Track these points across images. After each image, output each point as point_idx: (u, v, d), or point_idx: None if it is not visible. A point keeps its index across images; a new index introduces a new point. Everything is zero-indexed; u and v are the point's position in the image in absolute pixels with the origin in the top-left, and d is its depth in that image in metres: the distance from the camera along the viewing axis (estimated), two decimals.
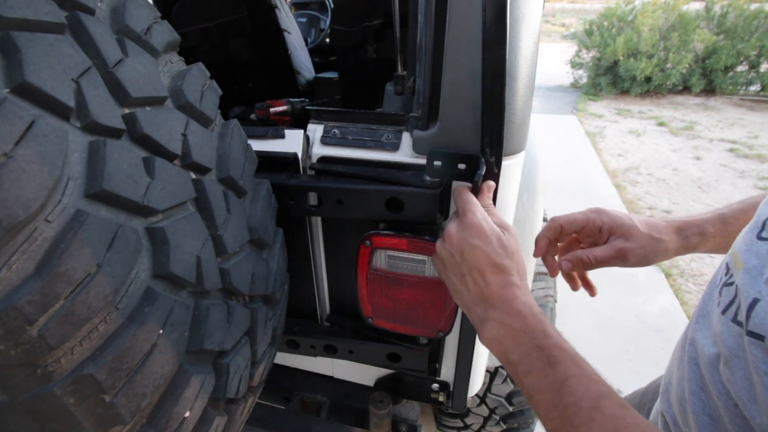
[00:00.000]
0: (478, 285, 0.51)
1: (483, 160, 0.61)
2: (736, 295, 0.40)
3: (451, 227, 0.55)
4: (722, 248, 0.65)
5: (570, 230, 0.68)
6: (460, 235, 0.53)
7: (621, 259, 0.64)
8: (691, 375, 0.45)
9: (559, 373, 0.42)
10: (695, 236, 0.64)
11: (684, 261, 2.80)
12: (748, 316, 0.36)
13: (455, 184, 0.66)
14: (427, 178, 0.66)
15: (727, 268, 0.44)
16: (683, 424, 0.47)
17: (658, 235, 0.64)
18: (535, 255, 0.70)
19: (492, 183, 0.60)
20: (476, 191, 0.59)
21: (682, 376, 0.47)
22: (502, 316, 0.49)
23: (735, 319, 0.39)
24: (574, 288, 0.72)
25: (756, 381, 0.35)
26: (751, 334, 0.36)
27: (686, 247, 0.65)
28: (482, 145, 0.62)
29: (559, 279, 0.74)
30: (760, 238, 0.40)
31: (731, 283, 0.41)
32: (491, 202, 0.59)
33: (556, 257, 0.70)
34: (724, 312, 0.41)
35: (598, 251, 0.64)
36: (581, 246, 0.70)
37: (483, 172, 0.60)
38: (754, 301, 0.36)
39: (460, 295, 0.55)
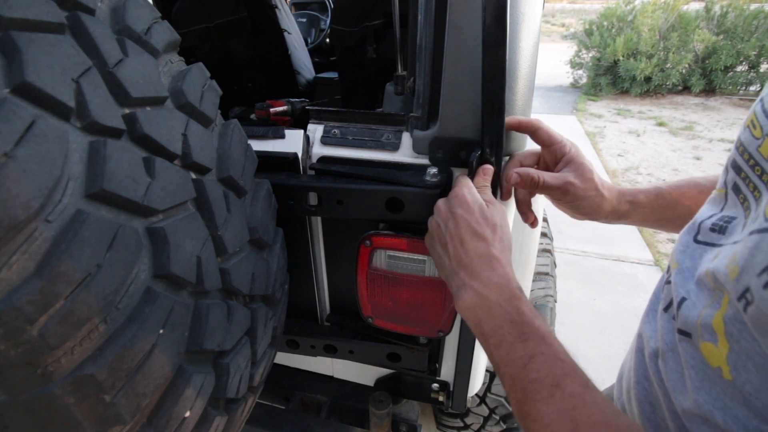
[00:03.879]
0: (458, 252, 0.53)
1: (480, 145, 0.62)
2: (670, 293, 0.42)
3: (440, 201, 0.59)
4: (650, 221, 0.67)
5: (545, 138, 0.65)
6: (446, 206, 0.57)
7: (563, 192, 0.62)
8: (638, 365, 0.47)
9: (528, 349, 0.44)
10: (626, 203, 0.65)
11: None
12: (677, 314, 0.39)
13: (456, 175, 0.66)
14: (428, 179, 0.66)
15: (668, 267, 0.45)
16: (628, 410, 0.49)
17: (602, 190, 0.64)
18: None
19: (489, 167, 0.61)
20: (471, 173, 0.61)
21: (631, 366, 0.49)
22: (478, 286, 0.50)
23: (670, 314, 0.41)
24: (526, 220, 0.70)
25: (685, 374, 0.37)
26: (680, 331, 0.38)
27: (617, 212, 0.65)
28: (482, 145, 0.62)
29: (559, 281, 0.74)
30: (696, 241, 0.41)
31: (669, 282, 0.43)
32: (486, 183, 0.60)
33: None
34: (665, 309, 0.43)
35: (548, 176, 0.63)
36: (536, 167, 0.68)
37: (478, 154, 0.61)
38: (682, 300, 0.39)
39: (442, 264, 0.56)
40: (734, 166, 0.39)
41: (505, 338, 0.46)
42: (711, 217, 0.41)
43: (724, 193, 0.41)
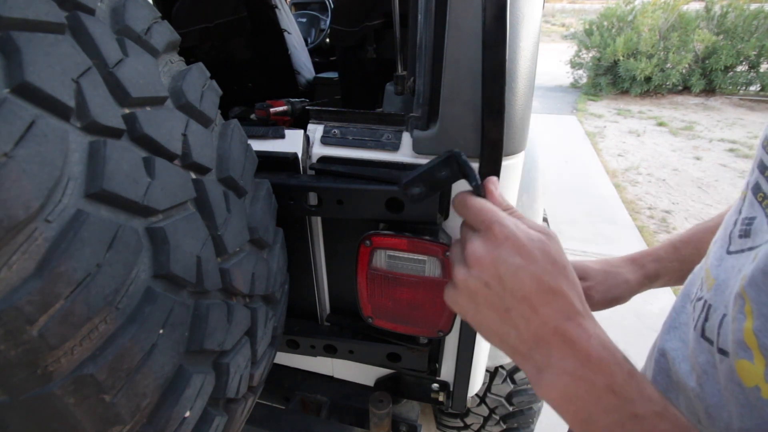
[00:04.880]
0: (530, 323, 0.37)
1: (460, 153, 0.45)
2: (705, 311, 0.39)
3: (476, 247, 0.39)
4: (681, 277, 0.63)
5: None
6: (494, 255, 0.38)
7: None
8: (663, 386, 0.45)
9: None
10: (651, 263, 0.65)
11: None
12: (718, 333, 0.35)
13: (453, 193, 0.65)
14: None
15: (701, 283, 0.43)
16: None
17: (614, 268, 0.64)
18: None
19: (495, 178, 0.45)
20: (480, 192, 0.44)
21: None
22: (574, 366, 0.35)
23: (704, 335, 0.38)
24: None
25: (727, 397, 0.33)
26: (721, 351, 0.34)
27: (647, 276, 0.65)
28: (482, 145, 0.62)
29: None
30: (729, 252, 0.40)
31: (701, 298, 0.41)
32: (509, 202, 0.44)
33: None
34: (695, 327, 0.40)
35: None
36: None
37: (474, 166, 0.46)
38: (723, 318, 0.35)
39: (504, 338, 0.39)
40: (759, 166, 0.38)
41: None
42: (735, 224, 0.40)
43: (743, 195, 0.41)
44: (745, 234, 0.37)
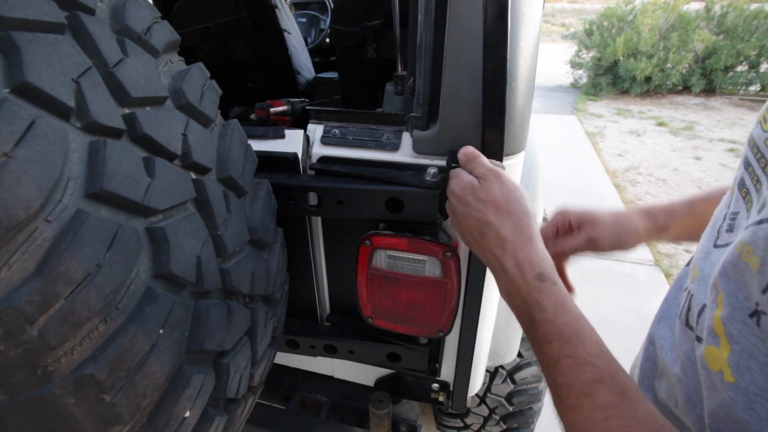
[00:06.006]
0: (479, 246, 0.52)
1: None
2: (688, 301, 0.41)
3: (448, 201, 0.57)
4: (693, 233, 0.65)
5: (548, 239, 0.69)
6: (449, 204, 0.56)
7: (593, 244, 0.66)
8: (649, 372, 0.46)
9: (553, 351, 0.40)
10: (663, 215, 0.65)
11: (684, 261, 2.80)
12: (697, 322, 0.38)
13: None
14: (428, 179, 0.65)
15: (689, 274, 0.45)
16: None
17: (625, 219, 0.65)
18: None
19: (466, 147, 0.60)
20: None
21: (642, 374, 0.48)
22: (501, 280, 0.48)
23: (687, 324, 0.40)
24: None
25: (702, 380, 0.36)
26: (698, 338, 0.37)
27: (657, 228, 0.66)
28: (482, 145, 0.62)
29: None
30: (715, 246, 0.41)
31: (686, 289, 0.43)
32: (473, 158, 0.58)
33: None
34: (680, 317, 0.42)
35: (569, 241, 0.66)
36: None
37: (456, 150, 0.60)
38: (703, 308, 0.37)
39: (470, 244, 0.54)
40: (744, 162, 0.39)
41: (531, 336, 0.44)
42: (725, 218, 0.41)
43: (731, 192, 0.41)
44: (730, 229, 0.38)
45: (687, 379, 0.39)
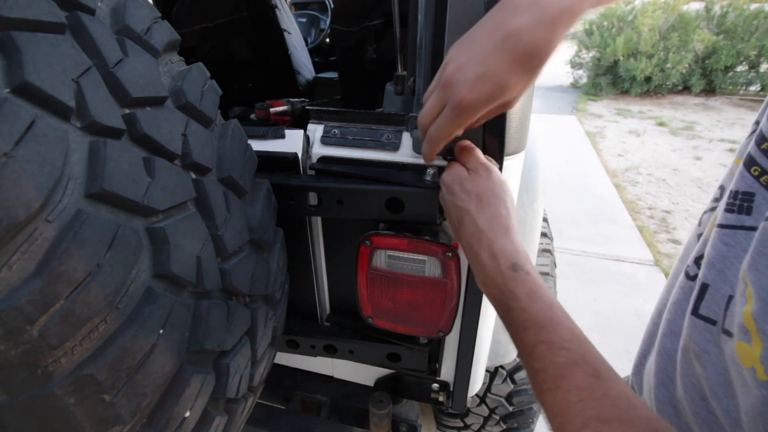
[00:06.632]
0: (459, 233, 0.54)
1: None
2: (701, 290, 0.40)
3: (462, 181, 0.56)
4: None
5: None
6: (440, 194, 0.58)
7: (499, 96, 0.56)
8: (662, 366, 0.46)
9: (529, 338, 0.42)
10: None
11: None
12: (725, 315, 0.37)
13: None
14: (428, 179, 0.65)
15: (695, 261, 0.44)
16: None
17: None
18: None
19: (462, 141, 0.60)
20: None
21: (653, 367, 0.48)
22: (477, 270, 0.50)
23: (697, 314, 0.40)
24: None
25: (734, 376, 0.35)
26: (726, 331, 0.36)
27: None
28: (482, 146, 0.62)
29: (559, 281, 0.74)
30: (721, 226, 0.40)
31: (694, 277, 0.42)
32: (468, 152, 0.59)
33: None
34: (693, 310, 0.41)
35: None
36: None
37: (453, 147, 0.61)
38: (729, 300, 0.36)
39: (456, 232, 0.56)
40: (758, 139, 0.38)
41: (507, 324, 0.45)
42: (731, 197, 0.39)
43: (733, 166, 0.40)
44: (745, 210, 0.37)
45: (707, 373, 0.38)
